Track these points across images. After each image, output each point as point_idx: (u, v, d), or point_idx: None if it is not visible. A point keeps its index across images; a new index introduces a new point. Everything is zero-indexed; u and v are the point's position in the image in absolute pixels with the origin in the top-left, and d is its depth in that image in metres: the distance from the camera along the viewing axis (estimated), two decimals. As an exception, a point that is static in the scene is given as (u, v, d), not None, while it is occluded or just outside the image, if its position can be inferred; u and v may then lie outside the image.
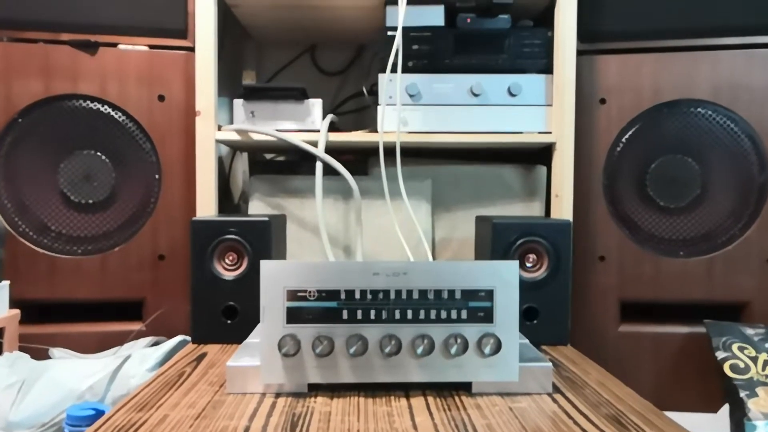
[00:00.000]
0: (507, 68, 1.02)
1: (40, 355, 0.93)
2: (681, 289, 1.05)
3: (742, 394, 0.90)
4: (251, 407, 0.58)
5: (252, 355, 0.65)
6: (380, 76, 0.99)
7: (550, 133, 1.01)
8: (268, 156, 1.35)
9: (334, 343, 0.61)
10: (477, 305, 0.62)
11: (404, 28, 0.99)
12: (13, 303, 0.97)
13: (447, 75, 1.01)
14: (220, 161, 1.18)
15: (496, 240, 0.85)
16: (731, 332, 0.97)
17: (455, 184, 1.10)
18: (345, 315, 0.61)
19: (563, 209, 1.00)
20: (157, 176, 1.04)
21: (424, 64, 1.01)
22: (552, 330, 0.85)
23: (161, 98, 1.04)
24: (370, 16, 1.11)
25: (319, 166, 1.00)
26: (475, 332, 0.62)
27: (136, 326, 1.03)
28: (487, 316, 0.62)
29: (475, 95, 1.01)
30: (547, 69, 1.02)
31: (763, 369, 0.92)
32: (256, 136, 1.00)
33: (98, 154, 1.02)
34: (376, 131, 1.00)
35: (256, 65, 1.37)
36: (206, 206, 0.99)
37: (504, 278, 0.62)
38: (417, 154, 1.12)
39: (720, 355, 0.95)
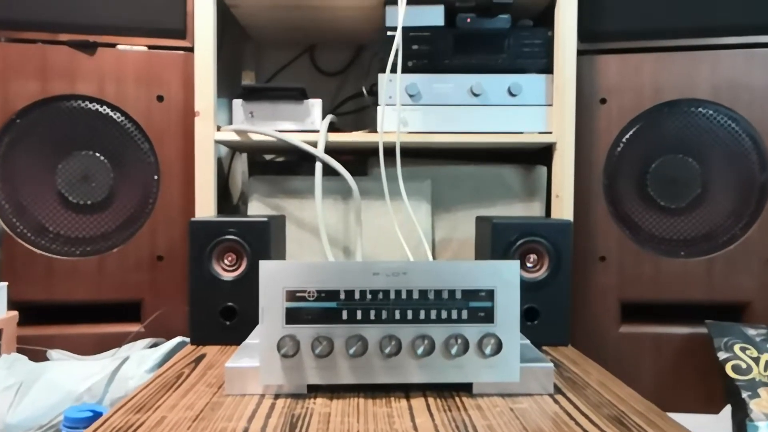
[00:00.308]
0: (507, 68, 1.01)
1: (38, 356, 0.93)
2: (682, 289, 1.05)
3: (744, 394, 0.89)
4: (250, 408, 0.58)
5: (251, 356, 0.64)
6: (380, 76, 0.99)
7: (551, 133, 1.01)
8: (268, 157, 1.35)
9: (333, 344, 0.61)
10: (477, 305, 0.62)
11: (404, 28, 0.98)
12: (11, 304, 0.96)
13: (447, 75, 1.01)
14: (220, 162, 1.17)
15: (497, 240, 0.84)
16: (733, 333, 0.97)
17: (455, 184, 1.10)
18: (344, 315, 0.61)
19: (563, 209, 1.00)
20: (155, 177, 1.04)
21: (423, 64, 1.01)
22: (552, 330, 0.85)
23: (160, 98, 1.03)
24: (369, 16, 1.11)
25: (318, 166, 0.99)
26: (476, 332, 0.61)
27: (134, 327, 1.02)
28: (488, 316, 0.62)
29: (475, 95, 1.00)
30: (548, 69, 1.01)
31: (765, 369, 0.91)
32: (255, 137, 0.99)
33: (96, 154, 1.02)
34: (376, 131, 0.99)
35: (255, 65, 1.37)
36: (205, 207, 0.99)
37: (505, 278, 0.62)
38: (417, 155, 1.12)
39: (722, 355, 0.94)
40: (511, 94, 1.01)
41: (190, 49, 1.02)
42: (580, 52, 1.03)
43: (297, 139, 0.99)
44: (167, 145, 1.04)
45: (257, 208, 1.06)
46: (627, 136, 1.05)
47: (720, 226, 1.04)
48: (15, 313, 0.96)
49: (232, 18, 1.15)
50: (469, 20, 1.02)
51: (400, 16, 0.97)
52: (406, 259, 1.01)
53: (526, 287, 0.84)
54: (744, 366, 0.92)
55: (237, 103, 1.01)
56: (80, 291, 1.02)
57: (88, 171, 1.02)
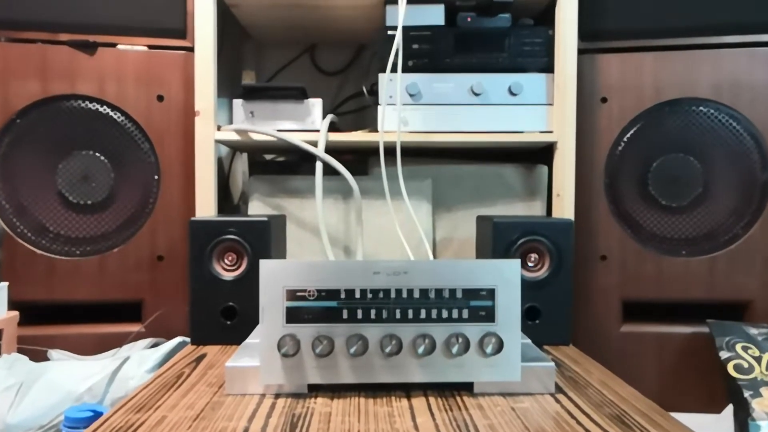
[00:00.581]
0: (507, 67, 1.01)
1: (39, 356, 0.93)
2: (683, 288, 1.04)
3: (746, 394, 0.89)
4: (250, 408, 0.58)
5: (251, 356, 0.64)
6: (380, 75, 0.99)
7: (551, 132, 1.01)
8: (268, 156, 1.35)
9: (334, 343, 0.60)
10: (478, 304, 0.62)
11: (404, 28, 0.98)
12: (12, 304, 0.96)
13: (447, 74, 1.00)
14: (220, 162, 1.17)
15: (498, 239, 0.84)
16: (735, 332, 0.96)
17: (456, 183, 1.09)
18: (345, 314, 0.61)
19: (564, 209, 1.00)
20: (155, 177, 1.04)
21: (424, 64, 1.01)
22: (554, 330, 0.84)
23: (160, 98, 1.03)
24: (369, 15, 1.11)
25: (319, 166, 0.99)
26: (477, 332, 0.61)
27: (134, 327, 1.02)
28: (489, 315, 0.62)
29: (476, 94, 1.00)
30: (548, 68, 1.01)
31: (767, 369, 0.91)
32: (255, 136, 0.99)
33: (97, 154, 1.02)
34: (377, 131, 0.99)
35: (255, 65, 1.36)
36: (205, 207, 0.99)
37: (505, 277, 0.62)
38: (417, 154, 1.12)
39: (723, 354, 0.94)
40: (512, 94, 1.01)
41: (191, 49, 1.02)
42: (581, 51, 1.02)
43: (297, 139, 0.98)
44: (167, 145, 1.04)
45: (258, 208, 1.06)
46: (628, 135, 1.05)
47: (722, 225, 1.04)
48: (15, 313, 0.96)
49: (232, 17, 1.15)
50: (469, 19, 1.02)
51: (401, 15, 0.97)
52: (406, 259, 1.01)
53: (528, 286, 0.84)
54: (746, 365, 0.92)
55: (237, 102, 1.01)
56: (81, 291, 1.02)
57: (88, 171, 1.01)
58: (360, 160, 1.14)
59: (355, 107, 1.38)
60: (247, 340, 0.71)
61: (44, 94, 1.00)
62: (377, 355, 0.61)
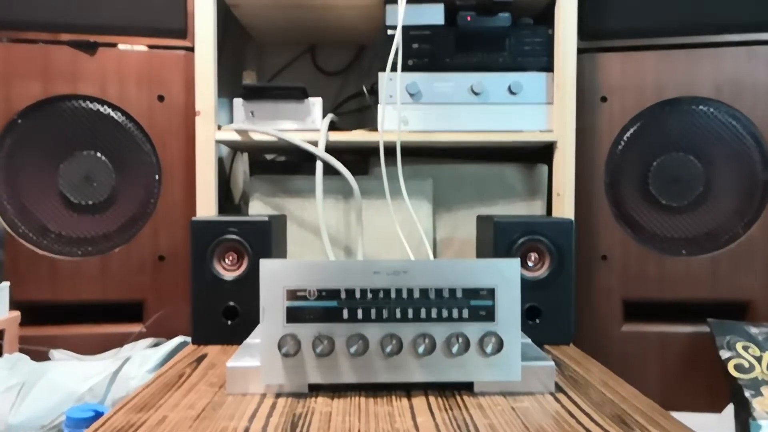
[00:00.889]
0: (507, 66, 1.01)
1: (41, 356, 0.93)
2: (684, 288, 1.04)
3: (747, 393, 0.89)
4: (251, 408, 0.58)
5: (252, 356, 0.64)
6: (380, 75, 0.99)
7: (551, 131, 1.01)
8: (269, 156, 1.35)
9: (334, 343, 0.60)
10: (478, 304, 0.62)
11: (404, 27, 0.98)
12: (13, 305, 0.97)
13: (447, 74, 1.01)
14: (221, 162, 1.17)
15: (498, 239, 0.84)
16: (735, 331, 0.96)
17: (456, 183, 1.09)
18: (345, 314, 0.61)
19: (565, 208, 1.00)
20: (157, 177, 1.04)
21: (424, 63, 1.01)
22: (555, 329, 0.84)
23: (161, 98, 1.03)
24: (369, 15, 1.11)
25: (319, 165, 0.99)
26: (477, 331, 0.61)
27: (136, 328, 1.02)
28: (489, 314, 0.62)
29: (476, 94, 1.00)
30: (548, 67, 1.01)
31: (768, 368, 0.91)
32: (256, 136, 0.99)
33: (98, 154, 1.02)
34: (377, 130, 0.99)
35: (256, 65, 1.37)
36: (206, 207, 0.99)
37: (505, 276, 0.62)
38: (418, 153, 1.12)
39: (724, 354, 0.94)
40: (512, 93, 1.01)
41: (191, 49, 1.02)
42: (581, 50, 1.02)
43: (298, 139, 0.99)
44: (168, 145, 1.04)
45: (258, 208, 1.06)
46: (628, 134, 1.05)
47: (722, 224, 1.04)
48: (17, 313, 0.96)
49: (233, 18, 1.15)
50: (469, 19, 1.01)
51: (400, 14, 0.97)
52: (407, 259, 1.01)
53: (528, 286, 0.84)
54: (746, 365, 0.92)
55: (238, 102, 1.01)
56: (82, 291, 1.02)
57: (89, 171, 1.02)
58: (360, 159, 1.14)
59: (355, 107, 1.38)
60: (248, 340, 0.71)
61: (46, 94, 1.01)
62: (378, 354, 0.61)
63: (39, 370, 0.83)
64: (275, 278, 0.61)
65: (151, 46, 1.04)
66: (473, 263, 0.62)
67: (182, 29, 1.03)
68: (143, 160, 1.04)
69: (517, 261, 0.62)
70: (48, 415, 0.77)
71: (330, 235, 1.05)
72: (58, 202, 1.02)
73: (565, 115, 1.00)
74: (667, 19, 1.03)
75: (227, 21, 1.15)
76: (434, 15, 1.02)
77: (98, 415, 0.69)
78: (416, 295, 0.61)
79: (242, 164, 1.34)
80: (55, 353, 0.94)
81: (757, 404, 0.88)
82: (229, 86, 1.21)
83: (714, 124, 1.03)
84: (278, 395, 0.61)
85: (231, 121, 1.03)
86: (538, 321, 0.84)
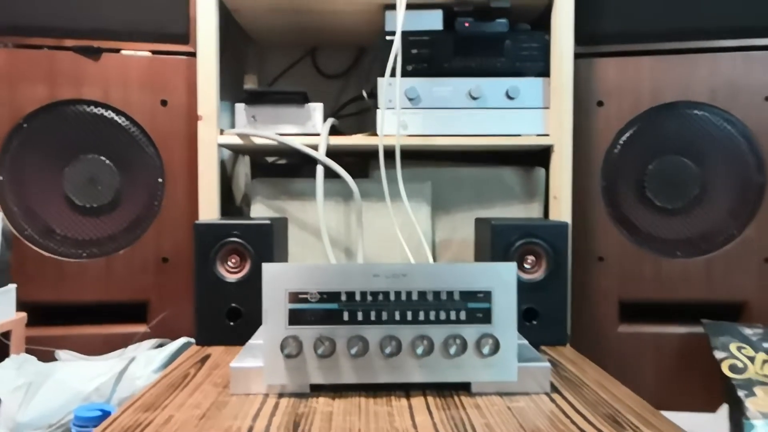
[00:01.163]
0: (505, 72, 1.03)
1: (47, 357, 0.95)
2: (680, 289, 1.06)
3: (741, 393, 0.90)
4: (255, 407, 0.59)
5: (255, 357, 0.66)
6: (380, 80, 1.00)
7: (549, 135, 1.02)
8: (270, 159, 1.37)
9: (335, 344, 0.62)
10: (475, 306, 0.63)
11: (403, 33, 1.00)
12: (20, 305, 0.98)
13: (446, 79, 1.02)
14: (222, 164, 1.19)
15: (496, 242, 0.86)
16: (729, 332, 0.98)
17: (455, 185, 1.11)
18: (346, 316, 0.63)
19: (562, 211, 1.01)
20: (160, 180, 1.06)
21: (423, 68, 1.02)
22: (551, 330, 0.86)
23: (164, 103, 1.05)
24: (369, 20, 1.12)
25: (320, 169, 1.01)
26: (474, 333, 0.63)
27: (140, 328, 1.04)
28: (486, 316, 0.63)
29: (474, 98, 1.02)
30: (545, 72, 1.03)
31: (761, 368, 0.93)
32: (258, 140, 1.01)
33: (102, 158, 1.04)
34: (376, 134, 1.01)
35: (257, 68, 1.38)
36: (209, 209, 1.00)
37: (502, 279, 0.64)
38: (417, 156, 1.13)
39: (718, 354, 0.96)
40: (509, 98, 1.02)
41: (193, 54, 1.03)
42: (578, 55, 1.04)
43: (299, 143, 1.00)
44: (171, 149, 1.05)
45: (260, 210, 1.08)
46: (624, 137, 1.06)
47: (717, 226, 1.05)
48: (23, 314, 0.98)
49: (234, 21, 1.17)
50: (467, 24, 1.03)
51: (399, 20, 0.99)
52: (406, 260, 1.03)
53: (525, 288, 0.85)
54: (740, 365, 0.93)
55: (240, 107, 1.02)
56: (87, 292, 1.04)
57: (94, 174, 1.03)
58: (360, 162, 1.16)
59: (355, 110, 1.39)
60: (251, 341, 0.73)
61: (51, 98, 1.02)
62: (377, 355, 0.62)
63: (46, 371, 0.85)
64: (277, 281, 0.63)
65: (154, 52, 1.05)
66: (470, 267, 0.64)
67: (185, 34, 1.05)
68: (147, 163, 1.05)
69: (513, 265, 0.64)
70: (55, 414, 0.79)
71: (331, 237, 1.06)
72: (63, 204, 1.03)
73: (562, 120, 1.01)
74: (663, 25, 1.05)
75: (228, 25, 1.17)
76: (433, 21, 1.04)
77: (105, 414, 0.71)
78: (415, 297, 0.63)
79: (244, 166, 1.36)
80: (61, 354, 0.96)
81: (750, 404, 0.89)
82: (230, 89, 1.22)
83: (709, 128, 1.04)
84: (281, 395, 0.63)
85: (233, 124, 1.05)
86: (534, 322, 0.86)
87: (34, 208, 1.03)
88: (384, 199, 1.01)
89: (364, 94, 1.18)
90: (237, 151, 1.28)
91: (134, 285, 1.05)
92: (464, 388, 0.64)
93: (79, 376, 0.83)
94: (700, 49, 1.04)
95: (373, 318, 0.63)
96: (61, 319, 1.05)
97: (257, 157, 1.35)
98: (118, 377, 0.83)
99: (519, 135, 1.02)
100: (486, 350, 0.62)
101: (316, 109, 1.03)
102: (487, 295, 0.63)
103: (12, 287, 0.96)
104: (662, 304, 1.07)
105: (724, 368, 0.94)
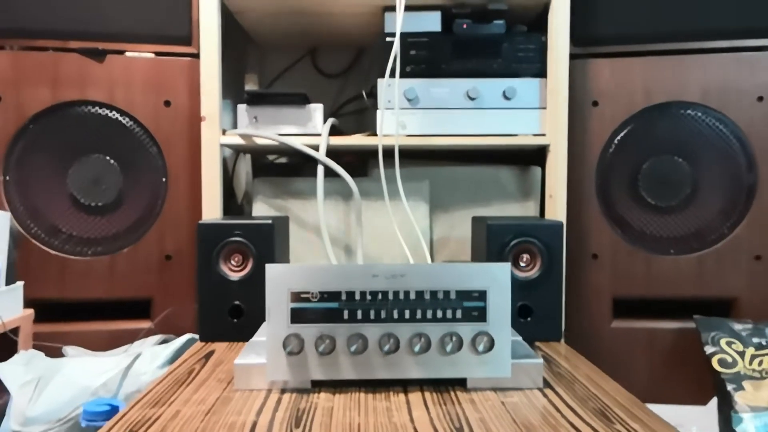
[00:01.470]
0: (502, 72, 1.05)
1: (54, 352, 0.97)
2: (672, 285, 1.08)
3: (730, 387, 0.93)
4: (258, 403, 0.62)
5: (258, 353, 0.68)
6: (379, 81, 1.02)
7: (544, 135, 1.04)
8: (271, 157, 1.38)
9: (335, 342, 0.65)
10: (471, 305, 0.66)
11: (402, 34, 1.01)
12: (27, 302, 1.00)
13: (444, 79, 1.04)
14: (224, 162, 1.21)
15: (491, 241, 0.88)
16: (720, 327, 1.00)
17: (452, 184, 1.13)
18: (346, 315, 0.65)
19: (557, 210, 1.03)
20: (163, 179, 1.08)
21: (421, 69, 1.04)
22: (545, 327, 0.88)
23: (167, 104, 1.07)
24: (369, 21, 1.14)
25: (320, 169, 1.03)
26: (470, 331, 0.65)
27: (144, 324, 1.06)
28: (481, 315, 0.66)
29: (471, 99, 1.04)
30: (541, 73, 1.05)
31: (750, 363, 0.95)
32: (259, 141, 1.03)
33: (106, 158, 1.06)
34: (376, 134, 1.03)
35: (258, 68, 1.40)
36: (211, 209, 1.02)
37: (497, 279, 0.66)
38: (415, 156, 1.15)
39: (709, 349, 0.98)
40: (506, 98, 1.04)
41: (196, 56, 1.05)
42: (573, 56, 1.06)
43: (299, 143, 1.02)
44: (174, 149, 1.07)
45: (262, 209, 1.10)
46: (619, 137, 1.08)
47: (709, 224, 1.08)
48: (31, 310, 1.00)
49: (235, 22, 1.19)
50: (465, 26, 1.05)
51: (399, 22, 1.00)
52: (405, 258, 1.05)
53: (520, 286, 0.88)
54: (729, 360, 0.96)
55: (242, 108, 1.04)
56: (92, 289, 1.06)
57: (98, 174, 1.05)
58: (360, 161, 1.18)
59: (355, 108, 1.41)
60: (254, 338, 0.75)
61: (55, 100, 1.04)
62: (376, 353, 0.65)
63: (54, 366, 0.87)
64: (280, 281, 0.65)
65: (157, 53, 1.07)
66: (466, 267, 0.66)
67: (187, 36, 1.07)
68: (150, 163, 1.07)
69: (507, 265, 0.66)
70: (64, 409, 0.81)
71: (331, 236, 1.08)
72: (68, 203, 1.05)
73: (558, 120, 1.03)
74: (657, 26, 1.06)
75: (230, 25, 1.18)
76: (431, 22, 1.06)
77: (113, 408, 0.73)
78: (413, 296, 0.65)
79: (245, 164, 1.38)
80: (68, 349, 0.98)
81: (739, 398, 0.92)
82: (231, 89, 1.24)
83: (701, 128, 1.07)
84: (283, 391, 0.65)
85: (234, 123, 1.07)
86: (529, 319, 0.88)
87: (39, 208, 1.05)
88: (383, 197, 1.04)
89: (364, 94, 1.19)
90: (239, 150, 1.30)
91: (138, 282, 1.07)
92: (460, 383, 0.67)
93: (86, 372, 0.86)
94: (693, 50, 1.06)
95: (372, 317, 0.65)
96: (68, 316, 1.07)
97: (258, 155, 1.37)
98: (124, 373, 0.85)
99: (515, 135, 1.04)
100: (481, 347, 0.65)
101: (317, 109, 1.05)
102: (482, 295, 0.66)
103: (19, 285, 0.98)
104: (655, 300, 1.10)
105: (714, 363, 0.96)
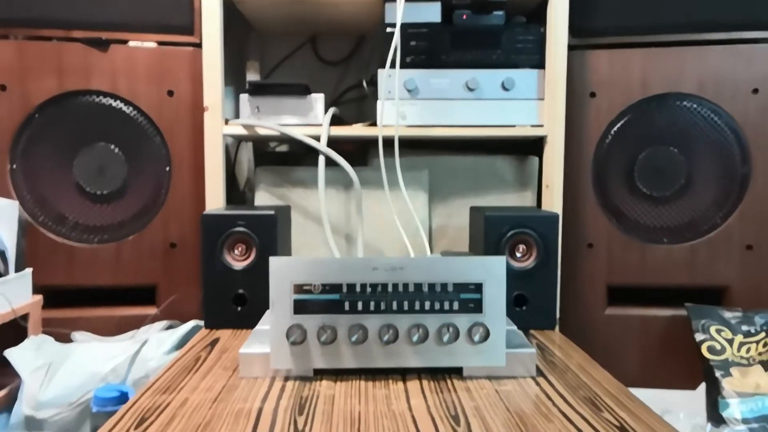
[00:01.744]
0: (501, 63, 1.06)
1: (63, 338, 1.00)
2: (665, 274, 1.11)
3: (718, 373, 0.96)
4: (263, 391, 0.65)
5: (262, 342, 0.71)
6: (379, 72, 1.04)
7: (542, 126, 1.06)
8: (272, 144, 1.40)
9: (337, 332, 0.67)
10: (468, 297, 0.68)
11: (402, 25, 1.02)
12: (35, 289, 1.03)
13: (443, 70, 1.05)
14: (226, 150, 1.22)
15: (489, 232, 0.90)
16: (710, 315, 1.03)
17: (451, 174, 1.15)
18: (347, 306, 0.67)
19: (553, 200, 1.05)
20: (167, 168, 1.09)
21: (421, 60, 1.06)
22: (540, 315, 0.91)
23: (170, 93, 1.08)
24: (369, 11, 1.15)
25: (321, 159, 1.05)
26: (466, 321, 0.68)
27: (149, 310, 1.09)
28: (477, 306, 0.68)
29: (471, 90, 1.05)
30: (540, 64, 1.06)
31: (738, 350, 0.98)
32: (261, 131, 1.05)
33: (111, 147, 1.07)
34: (376, 124, 1.04)
35: (259, 55, 1.41)
36: (215, 197, 1.04)
37: (493, 272, 0.68)
38: (415, 145, 1.17)
39: (698, 337, 1.01)
40: (505, 89, 1.05)
41: (198, 45, 1.06)
42: (572, 47, 1.07)
43: (301, 134, 1.04)
44: (178, 138, 1.09)
45: (264, 198, 1.12)
46: (615, 128, 1.10)
47: (702, 214, 1.10)
48: (39, 297, 1.03)
49: (236, 10, 1.19)
50: (465, 17, 1.06)
51: (399, 12, 1.01)
52: (404, 245, 1.07)
53: (516, 275, 0.90)
54: (718, 347, 0.99)
55: (244, 98, 1.06)
56: (99, 276, 1.08)
57: (103, 163, 1.07)
58: (360, 149, 1.20)
59: (356, 96, 1.42)
60: (257, 327, 0.78)
61: (60, 89, 1.06)
62: (376, 342, 0.67)
63: (64, 351, 0.90)
64: (283, 274, 0.67)
65: (160, 43, 1.08)
66: (464, 260, 0.68)
67: (189, 26, 1.08)
68: (154, 152, 1.09)
69: (503, 259, 0.68)
70: (75, 393, 0.84)
71: (331, 224, 1.11)
72: (74, 192, 1.07)
73: (555, 111, 1.05)
74: (654, 18, 1.07)
75: (231, 14, 1.19)
76: (431, 13, 1.06)
77: (123, 394, 0.76)
78: (411, 289, 0.68)
79: (246, 151, 1.40)
80: (77, 335, 1.01)
81: (726, 384, 0.95)
82: (233, 76, 1.25)
83: (697, 120, 1.08)
84: (286, 379, 0.68)
85: (236, 108, 1.08)
86: (525, 308, 0.91)
87: (46, 196, 1.07)
88: (383, 186, 1.05)
89: (364, 83, 1.21)
90: (241, 139, 1.31)
91: (143, 269, 1.10)
92: (456, 372, 0.69)
93: (95, 358, 0.88)
94: (689, 42, 1.07)
95: (372, 308, 0.67)
96: (75, 302, 1.10)
97: (260, 143, 1.39)
98: (132, 359, 0.88)
99: (514, 126, 1.06)
100: (477, 338, 0.67)
101: (318, 100, 1.06)
102: (478, 287, 0.68)
103: (28, 272, 1.01)
104: (648, 288, 1.12)
105: (703, 350, 0.99)
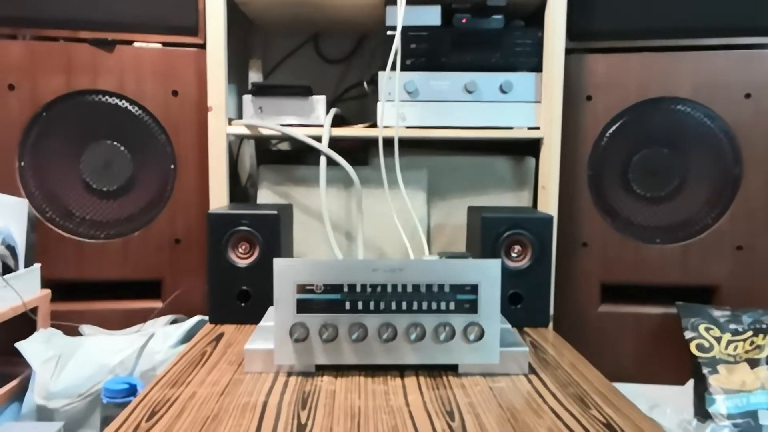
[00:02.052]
0: (499, 66, 1.08)
1: (71, 331, 1.03)
2: (657, 273, 1.14)
3: (705, 371, 0.99)
4: (267, 385, 0.68)
5: (266, 339, 0.74)
6: (380, 74, 1.06)
7: (539, 128, 1.08)
8: (274, 141, 1.42)
9: (338, 330, 0.70)
10: (463, 298, 0.71)
11: (403, 28, 1.05)
12: (44, 283, 1.06)
13: (443, 73, 1.08)
14: (229, 147, 1.25)
15: (485, 232, 0.93)
16: (699, 314, 1.06)
17: (450, 173, 1.18)
18: (348, 306, 0.70)
19: (549, 200, 1.08)
20: (172, 166, 1.12)
21: (421, 63, 1.08)
22: (534, 313, 0.94)
23: (175, 93, 1.11)
24: (371, 12, 1.17)
25: (322, 159, 1.07)
26: (462, 321, 0.71)
27: (155, 304, 1.12)
28: (472, 307, 0.71)
29: (469, 92, 1.08)
30: (538, 67, 1.08)
31: (726, 348, 1.01)
32: (264, 131, 1.07)
33: (118, 145, 1.10)
34: (376, 125, 1.07)
35: (261, 53, 1.43)
36: (218, 195, 1.07)
37: (487, 274, 0.71)
38: (414, 145, 1.19)
39: (688, 334, 1.04)
40: (503, 92, 1.08)
41: (202, 46, 1.09)
42: (569, 51, 1.09)
43: (302, 134, 1.06)
44: (182, 137, 1.12)
45: (266, 196, 1.15)
46: (611, 131, 1.12)
47: (695, 215, 1.13)
48: (48, 290, 1.06)
49: (239, 10, 1.21)
50: (464, 20, 1.08)
51: (400, 15, 1.03)
52: (403, 244, 1.10)
53: (511, 275, 0.93)
54: (707, 345, 1.02)
55: (247, 98, 1.08)
56: (105, 270, 1.11)
57: (110, 161, 1.10)
58: (361, 148, 1.22)
59: (357, 94, 1.45)
60: (261, 324, 0.81)
61: (68, 88, 1.08)
62: (375, 340, 0.70)
63: (73, 344, 0.93)
64: (287, 274, 0.70)
65: (165, 44, 1.10)
66: (460, 262, 0.71)
67: (194, 27, 1.10)
68: (159, 150, 1.12)
69: (498, 261, 0.71)
70: (84, 385, 0.87)
71: (332, 222, 1.13)
72: (81, 188, 1.10)
73: (552, 113, 1.07)
74: (650, 22, 1.10)
75: (234, 13, 1.21)
76: (432, 16, 1.09)
77: (131, 387, 0.79)
78: (410, 289, 0.71)
79: (249, 148, 1.42)
80: (85, 328, 1.04)
81: (713, 381, 0.98)
82: (237, 74, 1.28)
83: (691, 123, 1.11)
84: (289, 374, 0.71)
85: (238, 108, 1.11)
86: (519, 306, 0.94)
87: (54, 192, 1.09)
88: (383, 186, 1.08)
89: (365, 84, 1.23)
90: (244, 137, 1.34)
91: (149, 264, 1.12)
92: (452, 369, 0.72)
93: (104, 350, 0.91)
94: (684, 47, 1.10)
95: (372, 307, 0.70)
96: (83, 295, 1.13)
97: (262, 142, 1.41)
98: (139, 352, 0.91)
99: (511, 128, 1.08)
100: (472, 336, 0.70)
101: (320, 101, 1.08)
102: (474, 288, 0.71)
103: (37, 266, 1.04)
104: (641, 286, 1.15)
105: (692, 347, 1.03)
